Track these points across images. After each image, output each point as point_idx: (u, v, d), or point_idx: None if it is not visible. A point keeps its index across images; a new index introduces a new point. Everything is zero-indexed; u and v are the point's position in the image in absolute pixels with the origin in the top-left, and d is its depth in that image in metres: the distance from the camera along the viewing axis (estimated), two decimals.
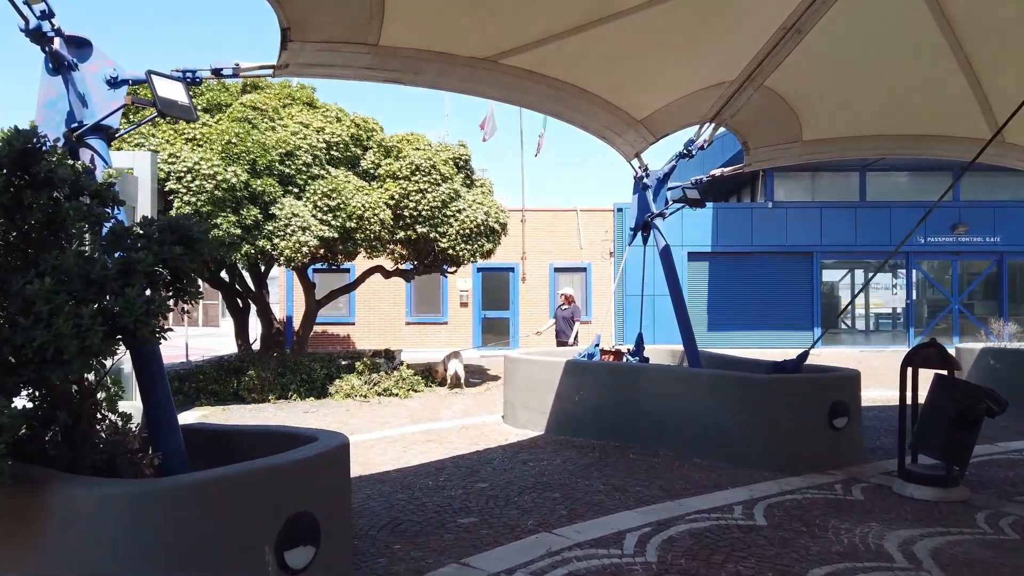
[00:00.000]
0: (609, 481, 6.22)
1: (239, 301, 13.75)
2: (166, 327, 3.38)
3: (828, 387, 6.80)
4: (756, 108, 7.82)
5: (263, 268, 13.29)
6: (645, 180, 8.41)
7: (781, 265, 20.08)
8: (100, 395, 3.98)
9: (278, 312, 20.74)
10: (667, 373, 7.51)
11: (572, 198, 77.21)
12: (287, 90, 12.49)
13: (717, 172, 8.51)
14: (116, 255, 3.48)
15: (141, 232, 3.56)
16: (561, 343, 12.57)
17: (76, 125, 3.88)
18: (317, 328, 19.38)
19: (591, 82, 6.38)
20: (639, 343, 9.22)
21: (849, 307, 22.08)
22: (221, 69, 4.26)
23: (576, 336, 12.57)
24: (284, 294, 19.21)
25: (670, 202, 8.61)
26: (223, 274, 13.79)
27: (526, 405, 8.56)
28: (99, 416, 3.89)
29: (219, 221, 9.54)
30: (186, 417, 9.70)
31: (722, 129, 8.14)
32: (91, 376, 3.85)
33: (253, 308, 13.98)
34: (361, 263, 14.24)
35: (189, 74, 4.20)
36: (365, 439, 8.16)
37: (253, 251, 10.00)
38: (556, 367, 8.25)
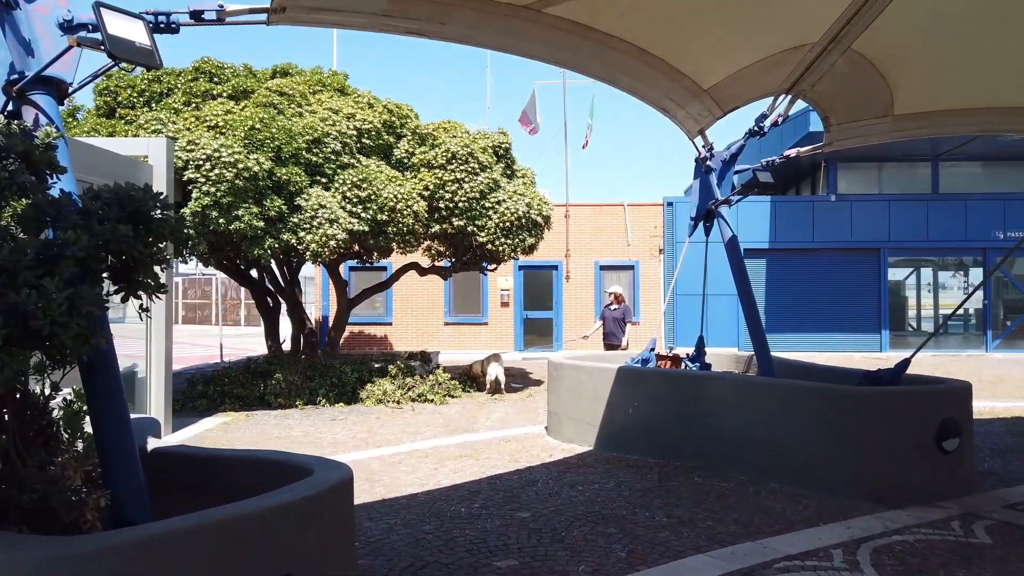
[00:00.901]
0: (674, 512, 5.26)
1: (269, 300, 13.11)
2: (102, 333, 2.55)
3: (935, 403, 5.71)
4: (840, 76, 6.73)
5: (294, 264, 12.63)
6: (709, 162, 7.39)
7: (845, 262, 18.69)
8: (56, 413, 3.22)
9: (314, 312, 20.22)
10: (736, 383, 6.50)
11: (618, 193, 75.39)
12: (317, 76, 11.81)
13: (792, 152, 7.44)
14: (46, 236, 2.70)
15: (81, 206, 2.77)
16: (611, 346, 11.58)
17: (16, 77, 3.11)
18: (353, 328, 18.77)
19: (652, 42, 5.42)
20: (700, 348, 8.21)
21: (918, 308, 20.50)
22: (203, 12, 3.45)
23: (627, 340, 11.58)
24: (320, 293, 18.63)
25: (737, 187, 7.58)
26: (252, 271, 13.20)
27: (573, 417, 7.63)
28: (49, 442, 3.12)
29: (240, 213, 8.85)
30: (207, 424, 9.05)
31: (796, 105, 7.09)
32: (48, 387, 3.10)
33: (284, 307, 13.34)
34: (398, 260, 13.49)
35: (163, 17, 3.40)
36: (394, 452, 7.34)
37: (277, 245, 9.29)
38: (606, 374, 7.30)
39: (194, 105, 10.23)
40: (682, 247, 18.49)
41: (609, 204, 19.04)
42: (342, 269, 18.54)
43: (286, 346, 13.22)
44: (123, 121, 10.09)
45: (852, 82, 6.86)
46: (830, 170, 18.70)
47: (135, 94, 10.50)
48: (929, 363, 16.92)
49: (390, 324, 18.85)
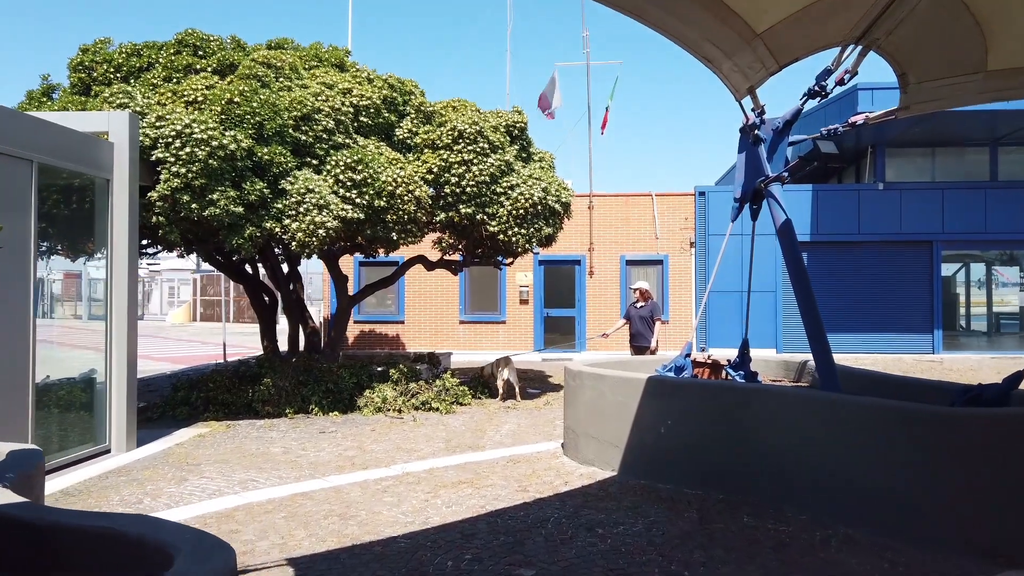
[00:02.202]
0: (721, 570, 4.05)
1: (265, 296, 12.10)
2: None
3: None
4: (923, 22, 5.45)
5: (280, 256, 11.59)
6: (758, 131, 6.14)
7: (894, 256, 17.18)
8: None
9: (322, 309, 19.23)
10: (797, 399, 5.26)
11: (646, 182, 73.14)
12: (314, 50, 10.73)
13: (859, 118, 6.14)
14: None
15: None
16: (638, 349, 10.34)
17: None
18: (363, 327, 17.75)
19: None
20: (744, 353, 6.96)
21: (967, 306, 18.87)
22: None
23: (657, 340, 10.32)
24: (328, 289, 17.60)
25: (791, 161, 6.32)
26: (249, 265, 12.19)
27: (593, 435, 6.43)
28: None
29: (215, 197, 7.78)
30: (180, 436, 8.01)
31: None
32: None
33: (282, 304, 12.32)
34: (408, 253, 12.34)
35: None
36: (381, 477, 6.21)
37: (259, 234, 8.21)
38: (633, 385, 6.09)
39: (175, 80, 9.21)
40: (715, 240, 17.18)
41: (636, 194, 17.75)
42: (349, 263, 17.62)
43: (291, 348, 12.20)
44: (99, 99, 9.09)
45: (937, 29, 5.57)
46: (877, 156, 17.20)
47: (111, 69, 9.50)
48: (991, 365, 15.40)
49: (402, 322, 17.77)
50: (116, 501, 5.57)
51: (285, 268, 12.63)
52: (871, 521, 4.60)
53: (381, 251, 10.67)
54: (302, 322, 12.26)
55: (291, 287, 12.47)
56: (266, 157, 8.10)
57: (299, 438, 7.89)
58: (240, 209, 7.95)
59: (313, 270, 28.41)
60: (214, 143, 7.68)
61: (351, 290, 14.07)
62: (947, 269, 18.09)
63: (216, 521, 5.02)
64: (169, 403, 9.60)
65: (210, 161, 7.67)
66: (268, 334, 11.84)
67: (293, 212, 8.21)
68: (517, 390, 10.77)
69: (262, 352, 12.32)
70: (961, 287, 18.75)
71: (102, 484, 6.07)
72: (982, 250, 18.07)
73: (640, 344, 10.28)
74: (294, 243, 8.24)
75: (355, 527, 4.87)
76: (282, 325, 14.33)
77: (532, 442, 7.63)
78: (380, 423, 8.78)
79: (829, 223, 17.05)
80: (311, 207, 8.21)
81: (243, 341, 22.65)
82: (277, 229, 8.24)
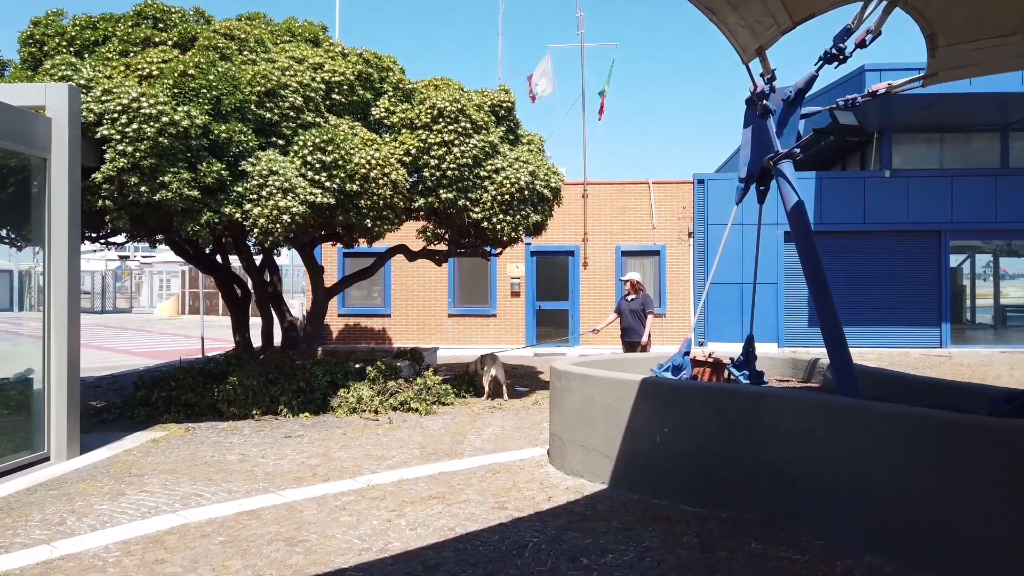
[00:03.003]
0: None
1: (237, 289, 11.39)
2: None
3: None
4: None
5: (264, 246, 10.87)
6: (767, 101, 5.44)
7: (900, 246, 16.50)
8: None
9: (304, 303, 18.52)
10: (812, 406, 4.57)
11: (643, 170, 72.01)
12: (287, 24, 9.99)
13: (881, 87, 5.43)
14: None
15: None
16: (629, 345, 9.65)
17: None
18: (349, 320, 17.06)
19: None
20: (749, 350, 6.29)
21: (972, 298, 18.21)
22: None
23: (650, 335, 9.63)
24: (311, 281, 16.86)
25: (803, 136, 5.63)
26: (218, 255, 11.47)
27: (581, 442, 5.75)
28: None
29: (167, 179, 7.06)
30: (132, 442, 7.33)
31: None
32: None
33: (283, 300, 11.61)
34: (393, 242, 11.59)
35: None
36: (343, 491, 5.52)
37: (217, 220, 7.50)
38: (626, 388, 5.41)
39: (132, 54, 8.47)
40: (714, 230, 16.49)
41: (632, 182, 17.04)
42: (333, 254, 16.90)
43: (261, 343, 11.51)
44: (42, 72, 8.35)
45: None
46: (883, 142, 16.50)
47: (63, 43, 8.74)
48: (1003, 360, 14.77)
49: (388, 316, 17.08)
50: (37, 521, 4.89)
51: (259, 258, 11.94)
52: (903, 547, 3.94)
53: (363, 241, 9.98)
54: (279, 315, 11.58)
55: (268, 279, 11.78)
56: (224, 135, 7.38)
57: (261, 443, 7.20)
58: (195, 193, 7.24)
59: (299, 261, 27.69)
60: (164, 119, 6.95)
61: (335, 282, 13.36)
62: (954, 260, 17.45)
63: (142, 547, 4.34)
64: (128, 403, 8.92)
65: (160, 139, 6.95)
66: (240, 329, 11.14)
67: (255, 196, 7.49)
68: (504, 388, 10.10)
69: (235, 347, 11.62)
70: (969, 279, 18.11)
71: (28, 499, 5.38)
72: (991, 240, 17.41)
73: (631, 340, 9.60)
74: (256, 230, 7.53)
75: (301, 556, 4.19)
76: (259, 319, 13.63)
77: (516, 448, 6.96)
78: (353, 426, 8.10)
79: (833, 212, 16.36)
80: (275, 191, 7.50)
81: (228, 335, 21.96)
82: (237, 215, 7.53)
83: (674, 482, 5.11)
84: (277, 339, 11.82)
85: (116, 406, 8.96)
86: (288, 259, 31.78)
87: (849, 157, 18.30)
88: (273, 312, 11.60)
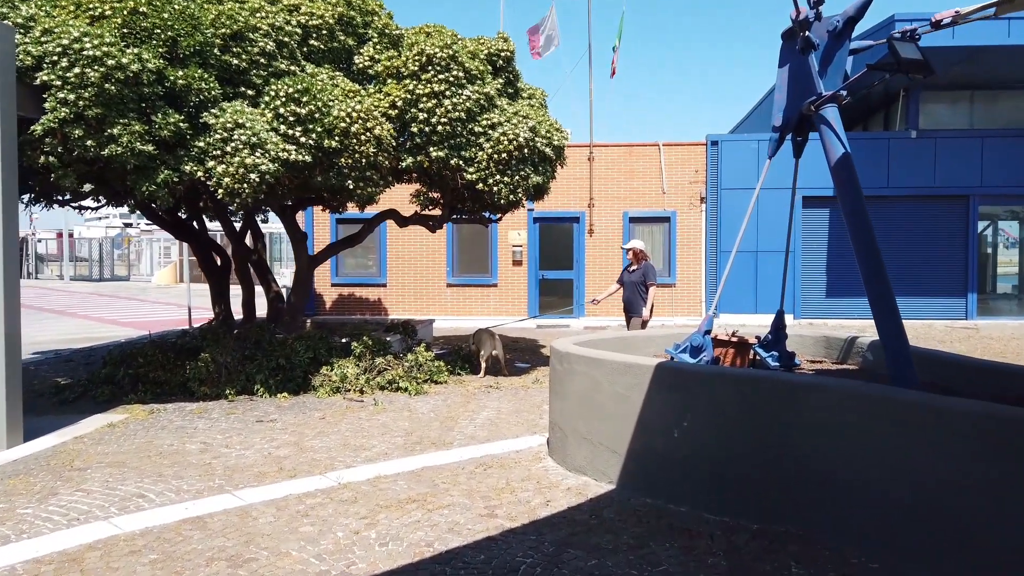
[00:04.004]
0: None
1: (216, 256, 10.60)
2: None
3: None
4: None
5: (246, 210, 10.06)
6: (809, 32, 4.54)
7: (926, 212, 15.54)
8: None
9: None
10: (868, 401, 3.77)
11: (652, 132, 69.73)
12: None
13: (948, 15, 4.50)
14: None
15: None
16: (633, 320, 8.83)
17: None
18: (343, 290, 16.29)
19: None
20: (779, 328, 5.47)
21: (994, 266, 17.26)
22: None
23: (651, 309, 8.75)
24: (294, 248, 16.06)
25: (851, 76, 4.74)
26: (195, 221, 10.65)
27: (586, 435, 4.98)
28: None
29: (117, 131, 6.21)
30: (88, 425, 6.62)
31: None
32: None
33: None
34: (384, 206, 10.67)
35: None
36: (309, 490, 4.78)
37: (176, 179, 6.66)
38: (639, 373, 4.61)
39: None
40: (728, 195, 15.57)
41: (641, 144, 16.07)
42: (326, 220, 16.03)
43: (243, 315, 10.75)
44: None
45: None
46: (910, 100, 15.45)
47: None
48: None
49: (384, 285, 16.28)
50: None
51: (242, 225, 11.13)
52: (981, 573, 3.17)
53: (355, 207, 9.15)
54: (264, 285, 10.80)
55: (253, 246, 10.98)
56: (181, 83, 6.50)
57: (228, 429, 6.46)
58: (150, 148, 6.39)
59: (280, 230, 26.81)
60: (110, 62, 6.08)
61: (321, 250, 12.53)
62: (980, 227, 16.50)
63: (54, 568, 3.60)
64: (92, 381, 8.19)
65: (106, 85, 6.08)
66: (219, 299, 10.37)
67: (218, 152, 6.64)
68: (503, 365, 9.34)
69: (214, 319, 10.86)
70: (993, 246, 17.16)
71: None
72: (1022, 205, 16.41)
73: (631, 314, 8.76)
74: (221, 191, 6.69)
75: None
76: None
77: (512, 435, 6.20)
78: (334, 408, 7.35)
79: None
80: (241, 146, 6.64)
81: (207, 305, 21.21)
82: (199, 173, 6.69)
83: (695, 485, 4.34)
84: (263, 311, 11.07)
85: (78, 386, 8.24)
86: (281, 226, 30.96)
87: (872, 117, 17.25)
88: (259, 282, 10.82)
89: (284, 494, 4.70)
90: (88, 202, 10.35)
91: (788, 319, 5.88)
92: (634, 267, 8.87)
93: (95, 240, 43.85)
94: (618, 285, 9.09)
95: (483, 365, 9.18)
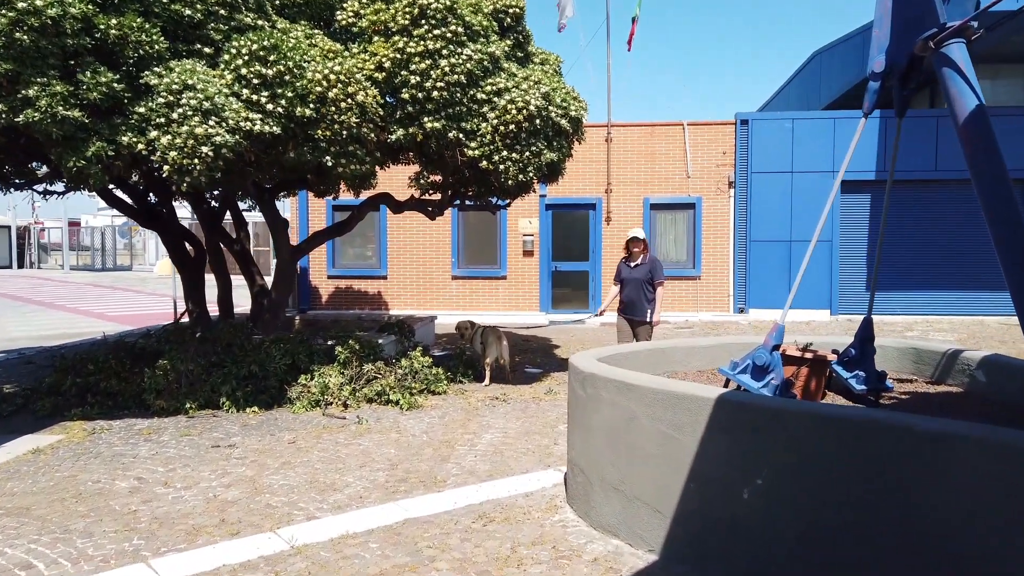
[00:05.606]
0: None
1: (189, 247, 9.44)
2: None
3: None
4: None
5: (226, 194, 8.88)
6: None
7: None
8: None
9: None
10: None
11: (676, 111, 67.18)
12: None
13: None
14: None
15: None
16: (633, 323, 7.46)
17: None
18: (340, 283, 15.13)
19: None
20: (865, 340, 4.22)
21: None
22: None
23: (659, 314, 7.40)
24: (298, 238, 14.91)
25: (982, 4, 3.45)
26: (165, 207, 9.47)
27: (617, 484, 3.76)
28: None
29: (32, 93, 5.03)
30: (5, 453, 5.45)
31: None
32: None
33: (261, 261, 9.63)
34: (397, 191, 9.40)
35: None
36: (251, 558, 3.59)
37: (111, 152, 5.47)
38: (692, 407, 3.38)
39: None
40: (759, 179, 14.24)
41: (664, 123, 14.75)
42: (321, 206, 14.84)
43: (219, 312, 9.59)
44: None
45: None
46: None
47: None
48: None
49: (384, 278, 15.10)
50: None
51: (216, 210, 9.96)
52: None
53: (350, 191, 7.98)
54: (248, 279, 9.63)
55: (236, 235, 9.81)
56: (115, 32, 5.30)
57: (176, 458, 5.30)
58: (77, 113, 5.20)
59: (288, 215, 25.62)
60: (21, 4, 4.89)
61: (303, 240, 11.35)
62: None
63: None
64: (35, 392, 7.08)
65: (17, 34, 4.90)
66: (192, 294, 9.21)
67: (162, 120, 5.45)
68: (508, 370, 8.14)
69: (250, 308, 9.58)
70: None
71: None
72: None
73: (633, 316, 7.41)
74: (167, 167, 5.50)
75: None
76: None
77: (520, 470, 5.00)
78: (309, 427, 6.18)
79: (900, 158, 13.99)
80: (190, 112, 5.44)
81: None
82: (140, 145, 5.50)
83: (776, 564, 3.11)
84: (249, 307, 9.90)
85: (23, 394, 7.13)
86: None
87: (916, 96, 15.81)
88: (243, 274, 9.63)
89: (214, 567, 3.52)
90: (58, 187, 9.19)
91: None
92: (636, 261, 7.52)
93: (99, 229, 42.98)
94: (617, 284, 7.69)
95: (488, 372, 7.98)
